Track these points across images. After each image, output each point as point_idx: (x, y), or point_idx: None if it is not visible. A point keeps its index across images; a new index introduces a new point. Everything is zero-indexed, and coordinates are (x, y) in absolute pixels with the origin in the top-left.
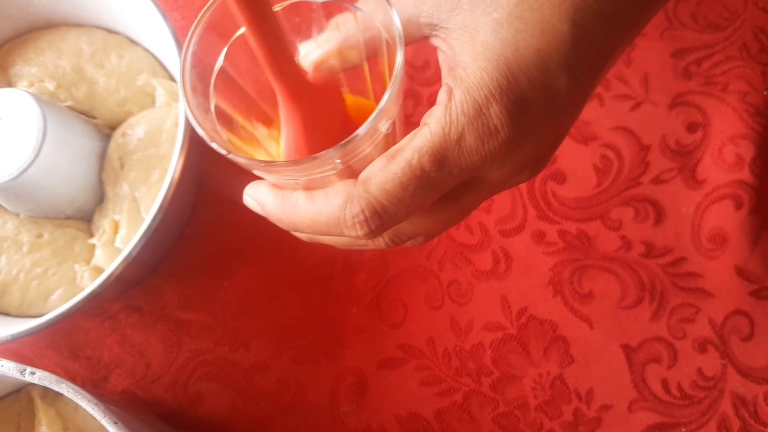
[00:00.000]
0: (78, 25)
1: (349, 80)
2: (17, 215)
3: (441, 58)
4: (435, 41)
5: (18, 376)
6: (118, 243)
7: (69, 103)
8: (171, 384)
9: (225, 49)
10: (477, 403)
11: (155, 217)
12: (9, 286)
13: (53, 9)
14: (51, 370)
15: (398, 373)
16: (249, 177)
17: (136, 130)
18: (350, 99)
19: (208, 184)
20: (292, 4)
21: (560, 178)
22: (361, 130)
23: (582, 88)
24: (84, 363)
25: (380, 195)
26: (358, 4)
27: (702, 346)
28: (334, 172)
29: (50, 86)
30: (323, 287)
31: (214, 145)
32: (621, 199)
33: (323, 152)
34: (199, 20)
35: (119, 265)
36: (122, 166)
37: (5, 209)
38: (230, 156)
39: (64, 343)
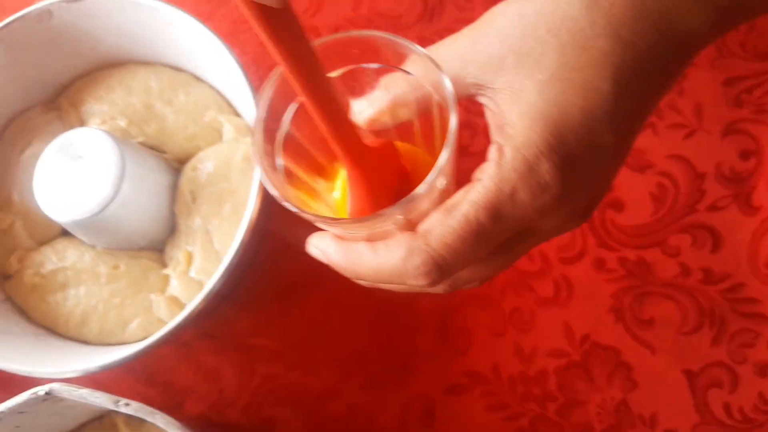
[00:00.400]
0: (145, 63)
1: (399, 131)
2: (93, 247)
3: (488, 115)
4: (481, 99)
5: (112, 406)
6: (192, 273)
7: (140, 139)
8: (245, 409)
9: (289, 114)
10: (543, 428)
11: (236, 253)
12: (89, 316)
13: (121, 48)
14: (128, 396)
15: (465, 399)
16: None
17: (206, 164)
18: (401, 146)
19: (276, 214)
20: (348, 71)
21: (618, 206)
22: (420, 189)
23: (625, 140)
24: (160, 389)
25: (440, 248)
26: (406, 67)
27: (762, 370)
28: (395, 225)
29: (122, 123)
30: (389, 314)
31: (287, 205)
32: (678, 226)
33: (386, 210)
34: (266, 89)
35: (202, 299)
36: (194, 200)
37: (81, 242)
38: (302, 214)
39: (140, 370)
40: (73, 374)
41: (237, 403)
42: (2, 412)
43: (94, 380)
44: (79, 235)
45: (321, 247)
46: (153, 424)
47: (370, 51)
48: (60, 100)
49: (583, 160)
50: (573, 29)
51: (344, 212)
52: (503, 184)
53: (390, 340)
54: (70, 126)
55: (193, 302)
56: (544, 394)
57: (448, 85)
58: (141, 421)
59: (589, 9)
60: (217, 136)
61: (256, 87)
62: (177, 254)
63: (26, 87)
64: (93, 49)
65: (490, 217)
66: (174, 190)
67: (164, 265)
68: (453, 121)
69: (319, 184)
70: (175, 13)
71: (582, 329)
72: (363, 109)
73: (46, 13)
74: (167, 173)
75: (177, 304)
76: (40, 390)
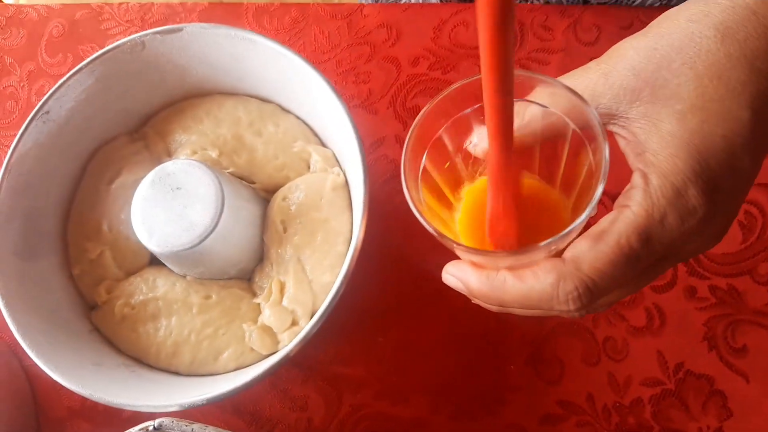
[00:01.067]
0: (231, 94)
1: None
2: (183, 277)
3: (622, 143)
4: (613, 128)
5: None
6: (285, 303)
7: (231, 169)
8: None
9: (426, 149)
10: None
11: (337, 291)
12: (180, 346)
13: (208, 78)
14: (217, 426)
15: (560, 429)
16: (391, 237)
17: (296, 194)
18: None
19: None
20: (479, 107)
21: None
22: (578, 222)
23: (759, 163)
24: (247, 418)
25: (592, 273)
26: (533, 97)
27: None
28: (544, 255)
29: (213, 154)
30: (478, 343)
31: (446, 240)
32: None
33: (546, 242)
34: (410, 133)
35: (308, 332)
36: (285, 230)
37: (170, 271)
38: (456, 247)
39: (227, 400)
40: (175, 408)
41: None
42: None
43: (182, 412)
44: (172, 265)
45: (459, 276)
46: None
47: None
48: (146, 130)
49: (725, 184)
50: (708, 61)
51: (465, 241)
52: (653, 209)
53: (478, 369)
54: (157, 156)
55: (304, 331)
56: (640, 423)
57: (595, 116)
58: None
59: (723, 42)
60: (304, 166)
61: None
62: (267, 283)
63: (112, 117)
64: (180, 79)
65: (640, 241)
66: (263, 219)
67: (254, 294)
68: (605, 151)
69: (444, 214)
70: (272, 45)
71: (675, 358)
72: (484, 138)
73: (139, 44)
74: (258, 203)
75: (269, 333)
76: (150, 425)
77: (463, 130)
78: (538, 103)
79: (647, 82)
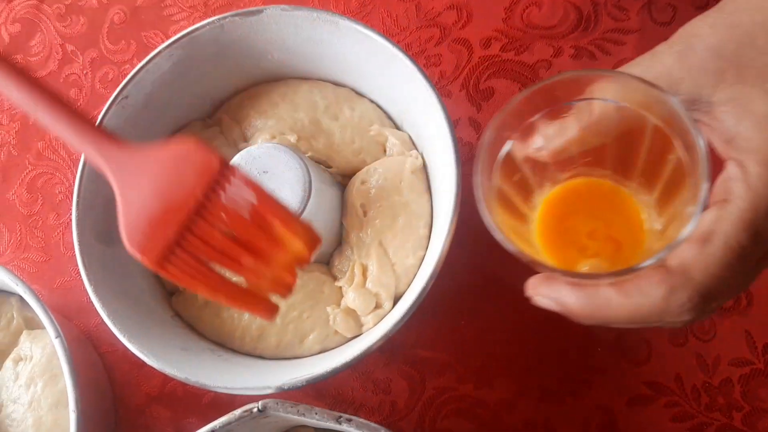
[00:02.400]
0: (305, 79)
1: (585, 158)
2: None
3: (706, 131)
4: (695, 115)
5: (333, 423)
6: (369, 286)
7: (309, 154)
8: (419, 422)
9: (498, 163)
10: None
11: (429, 280)
12: (267, 329)
13: (283, 63)
14: None
15: (649, 410)
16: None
17: (374, 178)
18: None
19: None
20: (546, 112)
21: None
22: (688, 229)
23: None
24: (330, 401)
25: (705, 279)
26: (602, 93)
27: None
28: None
29: (292, 138)
30: (561, 326)
31: (541, 268)
32: None
33: (654, 258)
34: (479, 155)
35: (399, 321)
36: (365, 213)
37: None
38: (558, 274)
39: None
40: (272, 390)
41: (410, 416)
42: (216, 428)
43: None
44: None
45: (555, 297)
46: None
47: (564, 90)
48: (219, 116)
49: None
50: None
51: (545, 253)
52: (758, 201)
53: (564, 351)
54: (233, 141)
55: (396, 313)
56: (730, 403)
57: (681, 107)
58: None
59: None
60: (380, 150)
61: None
62: (347, 267)
63: (186, 102)
64: (255, 64)
65: (750, 237)
66: (341, 204)
67: (334, 278)
68: (701, 145)
69: (522, 229)
70: (356, 27)
71: (764, 337)
72: (552, 137)
73: (218, 27)
74: (336, 187)
75: (353, 316)
76: (254, 407)
77: (527, 138)
78: (607, 100)
79: (731, 62)
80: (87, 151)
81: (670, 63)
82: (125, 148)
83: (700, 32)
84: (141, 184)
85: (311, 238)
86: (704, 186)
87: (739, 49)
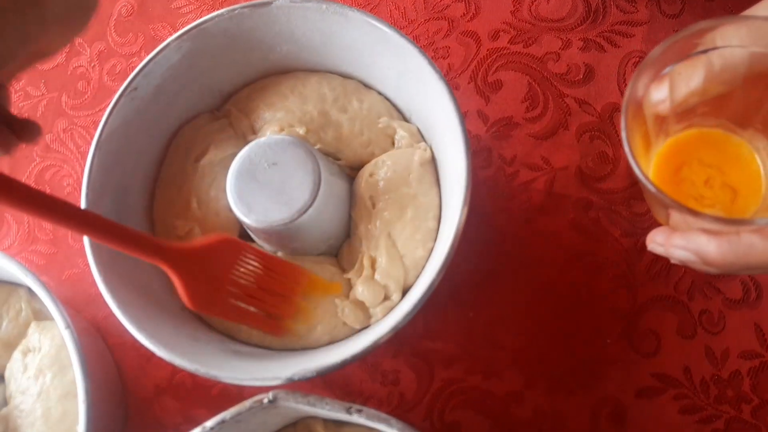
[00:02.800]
0: (313, 71)
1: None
2: (275, 252)
3: None
4: None
5: (344, 413)
6: (378, 278)
7: (318, 146)
8: (427, 413)
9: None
10: (739, 431)
11: (439, 272)
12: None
13: (291, 55)
14: None
15: (657, 402)
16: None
17: (383, 170)
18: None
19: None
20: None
21: None
22: None
23: None
24: (338, 393)
25: None
26: (723, 41)
27: None
28: None
29: (300, 131)
30: (571, 317)
31: (679, 208)
32: None
33: None
34: (640, 76)
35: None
36: (374, 205)
37: (260, 246)
38: (694, 217)
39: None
40: (282, 381)
41: (418, 408)
42: (226, 419)
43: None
44: (264, 242)
45: (693, 247)
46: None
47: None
48: (228, 108)
49: None
50: None
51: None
52: None
53: (572, 343)
54: (242, 133)
55: (399, 312)
56: (739, 396)
57: None
58: (338, 426)
59: None
60: (389, 142)
61: None
62: (356, 259)
63: (195, 95)
64: (264, 56)
65: None
66: (350, 196)
67: (343, 270)
68: None
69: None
70: (366, 19)
71: None
72: (675, 90)
73: (228, 19)
74: (345, 179)
75: (362, 308)
76: (264, 398)
77: (656, 92)
78: (739, 46)
79: None
80: (153, 261)
81: None
82: (178, 249)
83: None
84: (193, 270)
85: (306, 277)
86: None
87: None
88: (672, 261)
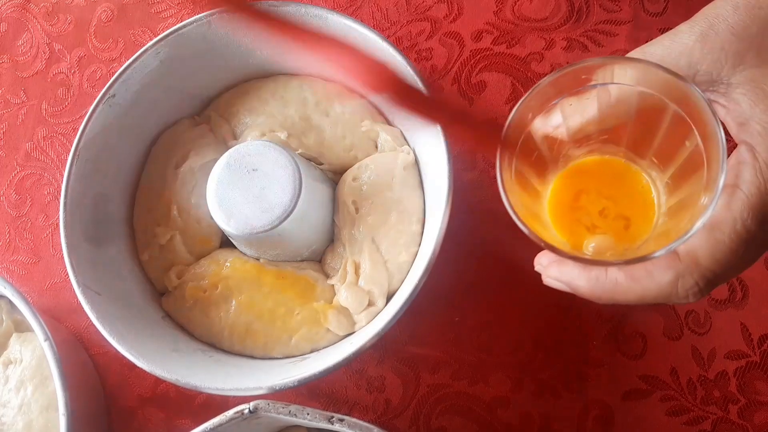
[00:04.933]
0: (295, 75)
1: (603, 137)
2: (256, 259)
3: (722, 112)
4: (712, 96)
5: (325, 423)
6: (362, 283)
7: (300, 150)
8: (413, 419)
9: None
10: (726, 431)
11: (422, 277)
12: (253, 325)
13: (272, 59)
14: None
15: (644, 404)
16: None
17: (366, 174)
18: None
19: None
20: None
21: None
22: (703, 219)
23: None
24: (324, 401)
25: (712, 265)
26: (619, 78)
27: None
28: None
29: (282, 135)
30: (557, 321)
31: (559, 253)
32: None
33: (665, 248)
34: (512, 116)
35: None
36: (357, 210)
37: (242, 253)
38: (572, 259)
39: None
40: (264, 390)
41: (405, 414)
42: (207, 430)
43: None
44: (246, 248)
45: (565, 279)
46: None
47: (588, 75)
48: (208, 113)
49: None
50: None
51: (557, 228)
52: (766, 185)
53: (559, 347)
54: (222, 138)
55: (383, 319)
56: (726, 396)
57: (703, 98)
58: None
59: None
60: (372, 145)
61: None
62: (340, 264)
63: (175, 100)
64: (244, 61)
65: (757, 223)
66: (333, 200)
67: (327, 276)
68: (720, 138)
69: (535, 206)
70: (345, 21)
71: (760, 330)
72: (571, 117)
73: (205, 24)
74: (327, 184)
75: (345, 314)
76: (245, 408)
77: (547, 119)
78: (627, 85)
79: (751, 44)
80: None
81: (691, 43)
82: None
83: (722, 13)
84: None
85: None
86: (721, 179)
87: (761, 31)
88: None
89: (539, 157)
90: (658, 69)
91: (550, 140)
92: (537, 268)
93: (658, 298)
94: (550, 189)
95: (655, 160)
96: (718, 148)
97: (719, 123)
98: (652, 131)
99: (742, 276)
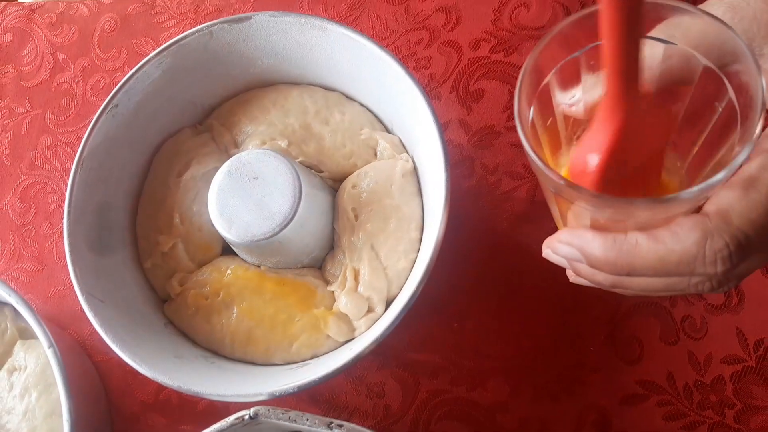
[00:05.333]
0: (295, 84)
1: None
2: (257, 266)
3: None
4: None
5: (324, 429)
6: (361, 290)
7: (300, 159)
8: (413, 425)
9: (533, 104)
10: None
11: (420, 283)
12: (254, 331)
13: (272, 68)
14: None
15: (641, 408)
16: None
17: (365, 181)
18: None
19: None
20: (592, 48)
21: None
22: (736, 163)
23: None
24: (324, 407)
25: (745, 226)
26: (657, 33)
27: None
28: (689, 208)
29: (282, 144)
30: (555, 326)
31: (560, 182)
32: None
33: (696, 188)
34: (520, 81)
35: (391, 324)
36: (356, 217)
37: (243, 260)
38: (588, 197)
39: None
40: (265, 397)
41: (404, 420)
42: None
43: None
44: (247, 255)
45: (578, 243)
46: None
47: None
48: (210, 122)
49: None
50: None
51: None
52: None
53: (556, 351)
54: (224, 147)
55: (380, 326)
56: (722, 401)
57: (744, 44)
58: None
59: None
60: (371, 153)
61: None
62: (340, 271)
63: (177, 110)
64: (245, 70)
65: None
66: (333, 208)
67: (327, 282)
68: (761, 81)
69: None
70: (345, 32)
71: (755, 334)
72: (589, 90)
73: (207, 34)
74: (327, 192)
75: (345, 321)
76: (245, 414)
77: (569, 79)
78: (659, 39)
79: None
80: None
81: (721, 13)
82: None
83: None
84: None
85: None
86: (759, 123)
87: None
88: (552, 260)
89: (554, 128)
90: (696, 15)
91: (567, 118)
92: (543, 249)
93: (682, 262)
94: (564, 173)
95: (682, 133)
96: (754, 91)
97: (758, 63)
98: (679, 97)
99: None
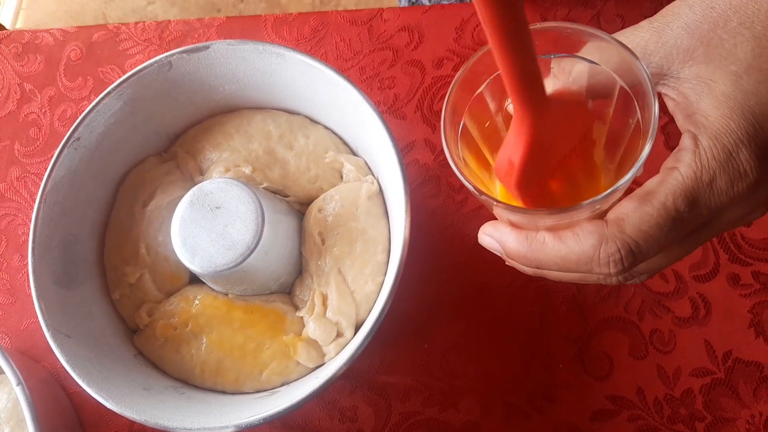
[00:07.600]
0: (259, 109)
1: None
2: (225, 294)
3: (671, 105)
4: (663, 89)
5: None
6: (329, 315)
7: (265, 184)
8: None
9: (466, 110)
10: None
11: (387, 301)
12: (223, 361)
13: (235, 95)
14: None
15: (612, 424)
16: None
17: (331, 204)
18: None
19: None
20: None
21: None
22: (624, 181)
23: None
24: (296, 431)
25: (636, 235)
26: (583, 54)
27: None
28: (587, 215)
29: (246, 170)
30: (523, 344)
31: (484, 199)
32: None
33: (588, 201)
34: (452, 87)
35: (358, 348)
36: (323, 241)
37: (211, 288)
38: (495, 205)
39: None
40: (231, 429)
41: None
42: None
43: None
44: (213, 284)
45: (497, 236)
46: None
47: (546, 42)
48: (175, 150)
49: None
50: None
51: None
52: (702, 172)
53: (526, 370)
54: (189, 175)
55: (348, 350)
56: (692, 414)
57: (645, 71)
58: None
59: None
60: (337, 176)
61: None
62: (308, 296)
63: (141, 139)
64: (207, 97)
65: (688, 204)
66: (299, 232)
67: (296, 308)
68: (655, 107)
69: (484, 176)
70: (301, 58)
71: (723, 346)
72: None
73: (166, 65)
74: (293, 216)
75: (314, 346)
76: None
77: (504, 88)
78: (587, 60)
79: (701, 42)
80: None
81: (647, 36)
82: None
83: (678, 11)
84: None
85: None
86: (648, 145)
87: (711, 29)
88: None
89: (494, 129)
90: (614, 44)
91: (506, 114)
92: (479, 235)
93: (581, 261)
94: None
95: (607, 148)
96: (650, 115)
97: (655, 91)
98: (603, 115)
99: (704, 293)
